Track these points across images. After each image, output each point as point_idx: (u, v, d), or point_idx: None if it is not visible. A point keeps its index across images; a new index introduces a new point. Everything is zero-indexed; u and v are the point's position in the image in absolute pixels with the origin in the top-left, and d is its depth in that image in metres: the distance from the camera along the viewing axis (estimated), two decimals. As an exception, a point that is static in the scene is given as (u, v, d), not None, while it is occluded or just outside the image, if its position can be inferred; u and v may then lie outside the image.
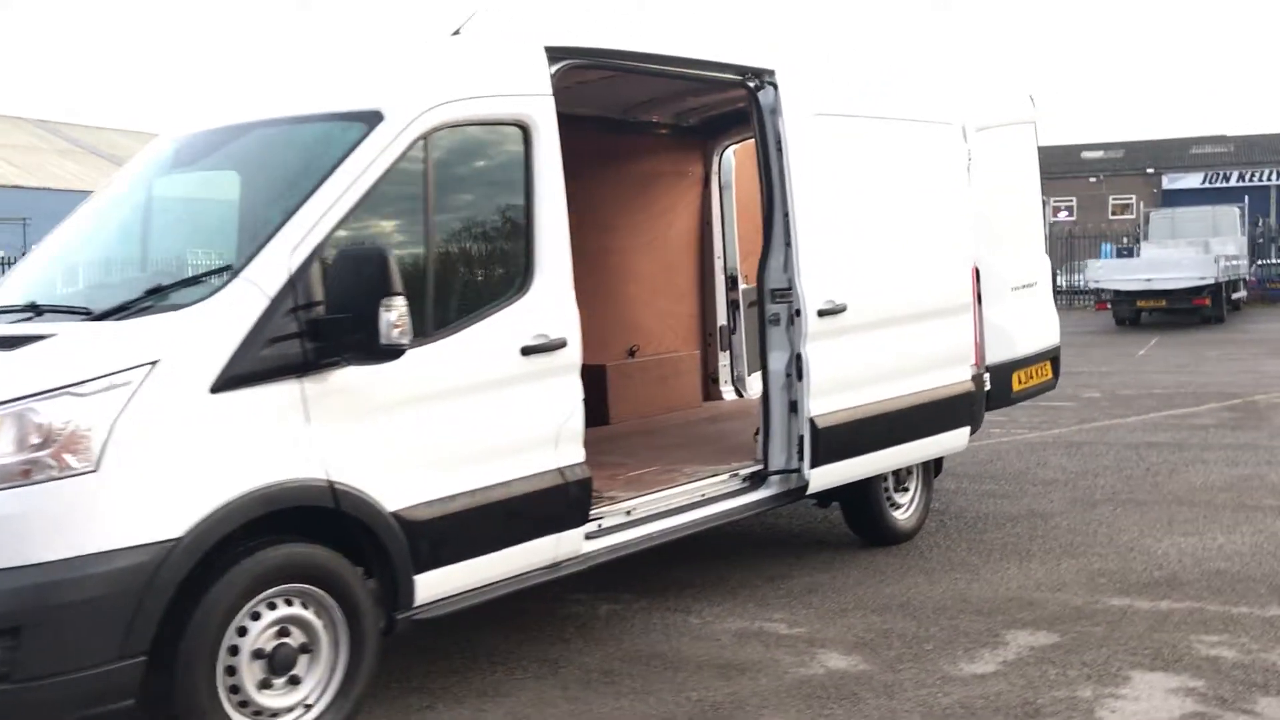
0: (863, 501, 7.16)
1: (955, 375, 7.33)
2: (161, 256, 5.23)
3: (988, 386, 8.01)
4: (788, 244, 6.26)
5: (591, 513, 5.51)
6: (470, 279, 5.07)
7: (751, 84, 6.27)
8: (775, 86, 6.24)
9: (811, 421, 6.28)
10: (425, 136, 4.73)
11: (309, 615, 4.31)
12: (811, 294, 6.28)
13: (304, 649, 4.30)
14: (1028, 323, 8.57)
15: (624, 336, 8.58)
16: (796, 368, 6.27)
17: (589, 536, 5.44)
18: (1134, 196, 54.51)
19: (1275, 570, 6.47)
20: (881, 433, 6.75)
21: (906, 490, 7.46)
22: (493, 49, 5.15)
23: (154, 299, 4.41)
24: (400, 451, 4.55)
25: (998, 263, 8.28)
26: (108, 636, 3.80)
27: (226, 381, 4.10)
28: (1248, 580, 6.30)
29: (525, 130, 5.10)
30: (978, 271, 7.96)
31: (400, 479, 4.54)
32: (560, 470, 5.15)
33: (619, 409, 8.26)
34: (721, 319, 9.05)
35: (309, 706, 4.32)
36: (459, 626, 5.54)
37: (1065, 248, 36.59)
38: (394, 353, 4.30)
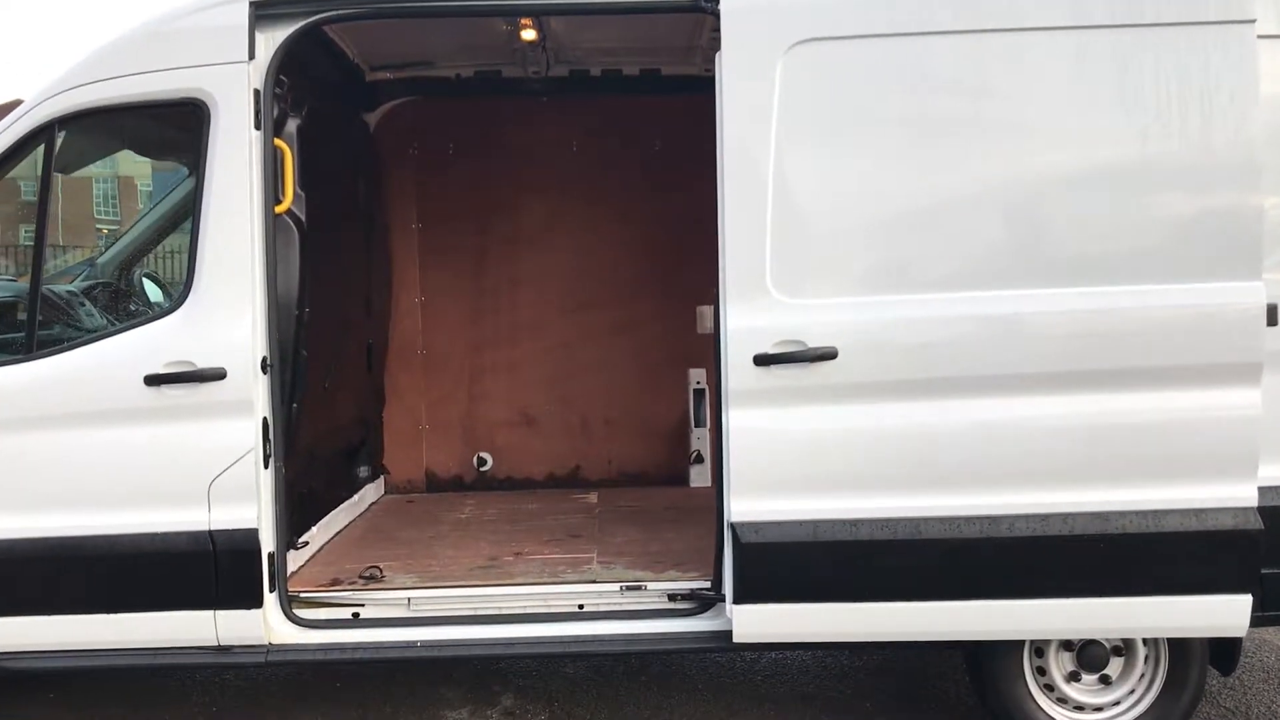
0: (980, 670, 4.28)
1: (1198, 494, 3.89)
2: None
3: None
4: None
5: (348, 596, 4.33)
6: (91, 290, 4.25)
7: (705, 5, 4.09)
8: (717, 17, 3.99)
9: (733, 530, 3.96)
10: (47, 125, 4.10)
11: None
12: (743, 327, 3.93)
13: None
14: None
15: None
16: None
17: (315, 625, 4.23)
18: None
19: None
20: (929, 572, 3.93)
21: (1108, 684, 4.22)
22: (179, 17, 4.20)
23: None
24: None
25: None
26: None
27: None
28: None
29: (202, 108, 4.10)
30: None
31: None
32: (210, 534, 4.07)
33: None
34: None
35: None
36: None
37: None
38: None
